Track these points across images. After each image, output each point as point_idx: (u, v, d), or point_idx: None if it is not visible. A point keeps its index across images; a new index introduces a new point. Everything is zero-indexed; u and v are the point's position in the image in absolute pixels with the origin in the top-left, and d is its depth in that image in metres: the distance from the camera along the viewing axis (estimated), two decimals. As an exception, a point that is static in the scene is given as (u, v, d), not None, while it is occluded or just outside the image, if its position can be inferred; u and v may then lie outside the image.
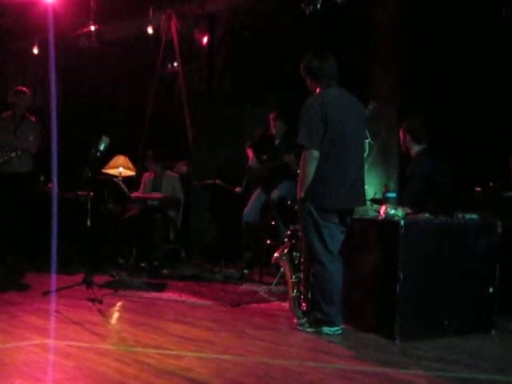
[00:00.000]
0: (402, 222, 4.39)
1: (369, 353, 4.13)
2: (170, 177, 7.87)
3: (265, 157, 6.89)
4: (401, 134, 5.65)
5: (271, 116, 6.89)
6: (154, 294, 5.94)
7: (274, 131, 6.90)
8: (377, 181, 7.05)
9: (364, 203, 4.85)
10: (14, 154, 6.92)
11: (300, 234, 4.73)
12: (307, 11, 6.94)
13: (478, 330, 4.68)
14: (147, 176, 7.92)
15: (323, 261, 4.50)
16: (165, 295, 5.93)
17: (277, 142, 6.93)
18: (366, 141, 7.06)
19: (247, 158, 7.02)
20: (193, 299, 5.75)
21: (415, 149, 5.52)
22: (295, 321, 4.71)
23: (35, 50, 10.22)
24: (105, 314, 5.06)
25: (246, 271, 6.82)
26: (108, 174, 8.13)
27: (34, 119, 7.26)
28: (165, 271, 7.13)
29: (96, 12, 9.04)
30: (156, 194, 7.46)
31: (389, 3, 7.26)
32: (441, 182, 5.38)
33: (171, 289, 6.22)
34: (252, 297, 5.89)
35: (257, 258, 6.88)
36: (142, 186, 7.87)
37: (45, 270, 6.28)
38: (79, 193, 7.43)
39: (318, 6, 6.86)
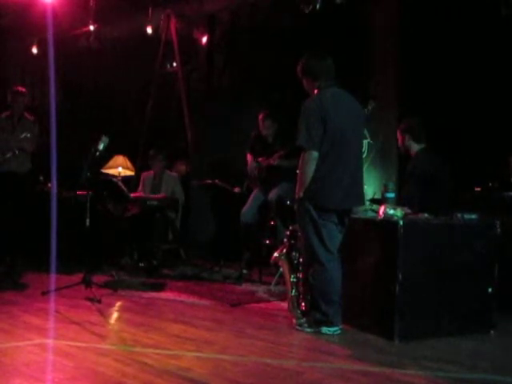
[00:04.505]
0: (401, 222, 4.39)
1: (368, 353, 4.13)
2: (170, 176, 7.89)
3: (261, 158, 6.91)
4: (398, 135, 5.66)
5: (260, 117, 6.92)
6: (153, 294, 5.94)
7: (264, 132, 6.93)
8: (376, 181, 7.05)
9: (362, 203, 4.86)
10: (9, 155, 6.92)
11: (299, 233, 4.73)
12: (306, 11, 6.94)
13: (477, 330, 4.68)
14: (146, 175, 7.93)
15: (322, 261, 4.51)
16: (164, 295, 5.93)
17: (270, 140, 6.95)
18: (366, 141, 7.11)
19: (247, 162, 7.04)
20: (192, 299, 5.75)
21: (415, 148, 5.53)
22: (294, 321, 4.71)
23: (34, 50, 10.21)
24: (104, 314, 5.07)
25: (245, 271, 6.82)
26: (107, 174, 8.13)
27: (32, 118, 7.26)
28: (164, 271, 7.13)
29: (95, 11, 9.03)
30: (157, 195, 7.50)
31: (388, 3, 7.26)
32: (441, 181, 5.39)
33: (170, 289, 6.23)
34: (251, 297, 5.89)
35: (256, 257, 6.88)
36: (141, 185, 7.88)
37: (44, 269, 6.28)
38: (78, 192, 7.43)
39: (318, 5, 6.86)
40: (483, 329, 4.72)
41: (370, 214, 5.07)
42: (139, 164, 8.88)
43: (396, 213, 4.55)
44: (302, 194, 4.53)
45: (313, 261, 4.55)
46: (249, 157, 7.04)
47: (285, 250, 4.87)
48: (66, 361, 3.73)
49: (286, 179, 6.55)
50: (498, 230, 4.76)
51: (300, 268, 4.77)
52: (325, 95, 4.57)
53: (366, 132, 7.01)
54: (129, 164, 8.64)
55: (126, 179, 8.17)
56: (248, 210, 6.94)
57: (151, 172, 7.90)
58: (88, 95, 10.74)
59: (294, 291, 4.78)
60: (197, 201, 8.43)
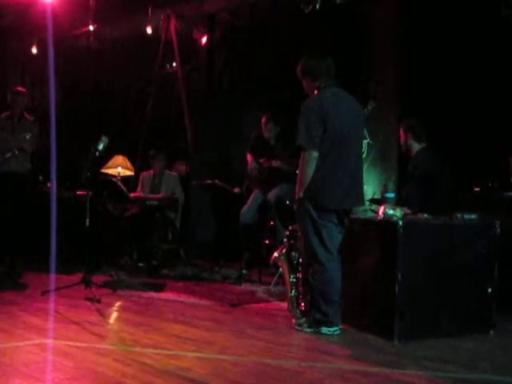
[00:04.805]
0: (401, 223, 4.39)
1: (367, 353, 4.13)
2: (170, 176, 7.90)
3: (262, 159, 6.92)
4: (401, 132, 5.67)
5: (263, 119, 6.93)
6: (153, 294, 5.94)
7: (266, 134, 6.94)
8: (376, 181, 7.05)
9: (362, 203, 4.86)
10: (9, 155, 6.93)
11: (299, 234, 4.73)
12: (306, 11, 6.95)
13: (477, 330, 4.68)
14: (145, 175, 7.93)
15: (322, 261, 4.50)
16: (164, 295, 5.93)
17: (272, 142, 6.96)
18: (365, 141, 7.11)
19: (247, 162, 7.05)
20: (192, 299, 5.75)
21: (415, 148, 5.55)
22: (294, 321, 4.71)
23: (34, 50, 10.22)
24: (104, 314, 5.07)
25: (244, 271, 6.82)
26: (107, 174, 8.13)
27: (31, 119, 7.27)
28: (164, 271, 7.13)
29: (95, 12, 9.03)
30: (157, 195, 7.50)
31: (388, 3, 7.26)
32: (441, 181, 5.39)
33: (170, 289, 6.22)
34: (251, 297, 5.89)
35: (256, 258, 6.88)
36: (139, 186, 7.88)
37: (44, 269, 6.28)
38: (78, 192, 7.44)
39: (318, 5, 6.87)
40: (483, 329, 4.71)
41: (370, 214, 5.07)
42: (139, 164, 8.88)
43: (395, 213, 4.55)
44: (301, 194, 4.53)
45: (313, 261, 4.55)
46: (249, 157, 7.05)
47: (284, 250, 4.87)
48: (65, 361, 3.73)
49: (285, 180, 6.55)
50: (498, 230, 4.75)
51: (299, 268, 4.77)
52: (325, 95, 4.57)
53: (365, 132, 7.02)
54: (128, 164, 8.63)
55: (125, 179, 8.17)
56: (248, 210, 6.94)
57: (150, 172, 7.90)
58: (88, 95, 10.74)
59: (293, 291, 4.77)
60: (197, 201, 8.43)
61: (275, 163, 6.76)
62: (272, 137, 6.94)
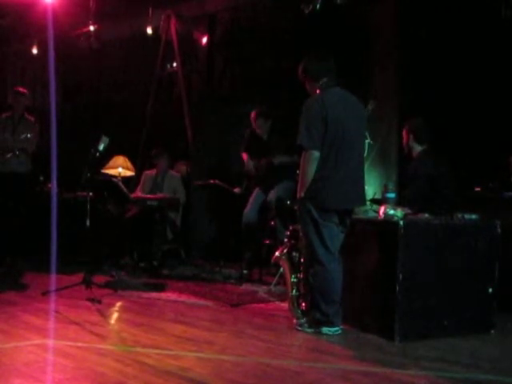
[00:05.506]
0: (402, 223, 4.39)
1: (368, 353, 4.13)
2: (173, 176, 7.91)
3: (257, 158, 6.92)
4: (404, 134, 5.68)
5: (252, 116, 6.92)
6: (154, 294, 5.94)
7: (258, 130, 6.94)
8: (376, 181, 7.05)
9: (364, 203, 4.86)
10: (10, 155, 6.94)
11: (300, 234, 4.73)
12: (307, 11, 6.95)
13: (478, 330, 4.68)
14: (148, 174, 7.93)
15: (323, 261, 4.50)
16: (164, 295, 5.93)
17: (264, 137, 6.95)
18: (366, 141, 7.09)
19: (243, 162, 7.05)
20: (192, 299, 5.75)
21: (417, 149, 5.55)
22: (295, 321, 4.71)
23: (34, 50, 10.22)
24: (104, 314, 5.07)
25: (245, 271, 6.82)
26: (107, 175, 8.14)
27: (32, 119, 7.28)
28: (164, 271, 7.13)
29: (95, 12, 9.04)
30: (157, 195, 7.50)
31: (388, 3, 7.26)
32: (442, 182, 5.39)
33: (171, 289, 6.22)
34: (252, 297, 5.89)
35: (256, 258, 6.88)
36: (141, 184, 7.89)
37: (44, 269, 6.28)
38: (78, 193, 7.44)
39: (318, 6, 6.87)
40: (483, 329, 4.72)
41: (371, 215, 5.07)
42: (139, 164, 8.87)
43: (396, 213, 4.56)
44: (303, 194, 4.53)
45: (313, 261, 4.54)
46: (244, 156, 7.04)
47: (286, 250, 4.87)
48: (65, 361, 3.73)
49: (285, 177, 6.54)
50: (498, 230, 4.76)
51: (301, 268, 4.77)
52: (326, 95, 4.56)
53: (366, 132, 7.02)
54: (129, 164, 8.63)
55: (126, 180, 8.17)
56: (250, 210, 6.93)
57: (153, 171, 7.91)
58: (88, 95, 10.74)
59: (294, 291, 4.77)
60: (197, 201, 8.43)
61: (275, 160, 6.74)
62: (264, 132, 6.94)
